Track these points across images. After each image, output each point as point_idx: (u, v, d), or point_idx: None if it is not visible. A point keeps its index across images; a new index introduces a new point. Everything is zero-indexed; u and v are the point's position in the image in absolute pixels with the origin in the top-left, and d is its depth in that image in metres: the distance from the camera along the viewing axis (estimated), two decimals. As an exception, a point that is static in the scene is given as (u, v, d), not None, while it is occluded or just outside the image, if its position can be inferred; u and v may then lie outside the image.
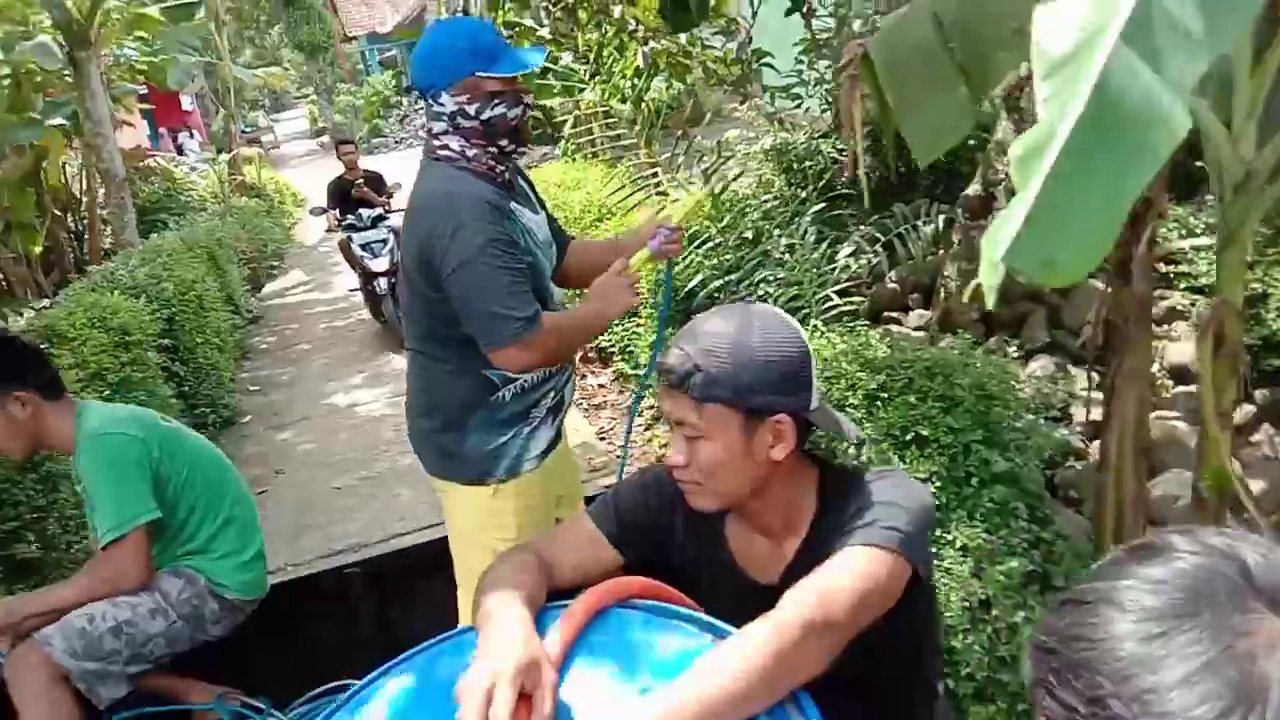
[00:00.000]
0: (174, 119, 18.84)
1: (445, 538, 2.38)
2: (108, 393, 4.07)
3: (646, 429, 4.76)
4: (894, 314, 4.76)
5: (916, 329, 4.49)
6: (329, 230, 7.95)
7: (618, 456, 4.51)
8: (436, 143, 2.04)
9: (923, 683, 1.46)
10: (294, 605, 2.69)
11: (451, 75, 1.98)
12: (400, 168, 15.94)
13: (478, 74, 1.97)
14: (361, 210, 7.35)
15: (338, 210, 7.57)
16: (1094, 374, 2.75)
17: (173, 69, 9.46)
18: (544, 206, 2.27)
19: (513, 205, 2.06)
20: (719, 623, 1.18)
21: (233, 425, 6.01)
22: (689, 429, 1.31)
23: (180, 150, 16.49)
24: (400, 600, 2.74)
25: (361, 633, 2.74)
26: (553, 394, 2.21)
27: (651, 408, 4.81)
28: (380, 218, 7.31)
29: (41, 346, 2.62)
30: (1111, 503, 2.42)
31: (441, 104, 2.00)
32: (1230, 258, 1.92)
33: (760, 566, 1.41)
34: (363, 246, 7.11)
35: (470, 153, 2.02)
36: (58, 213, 9.05)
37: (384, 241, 7.07)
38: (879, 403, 2.66)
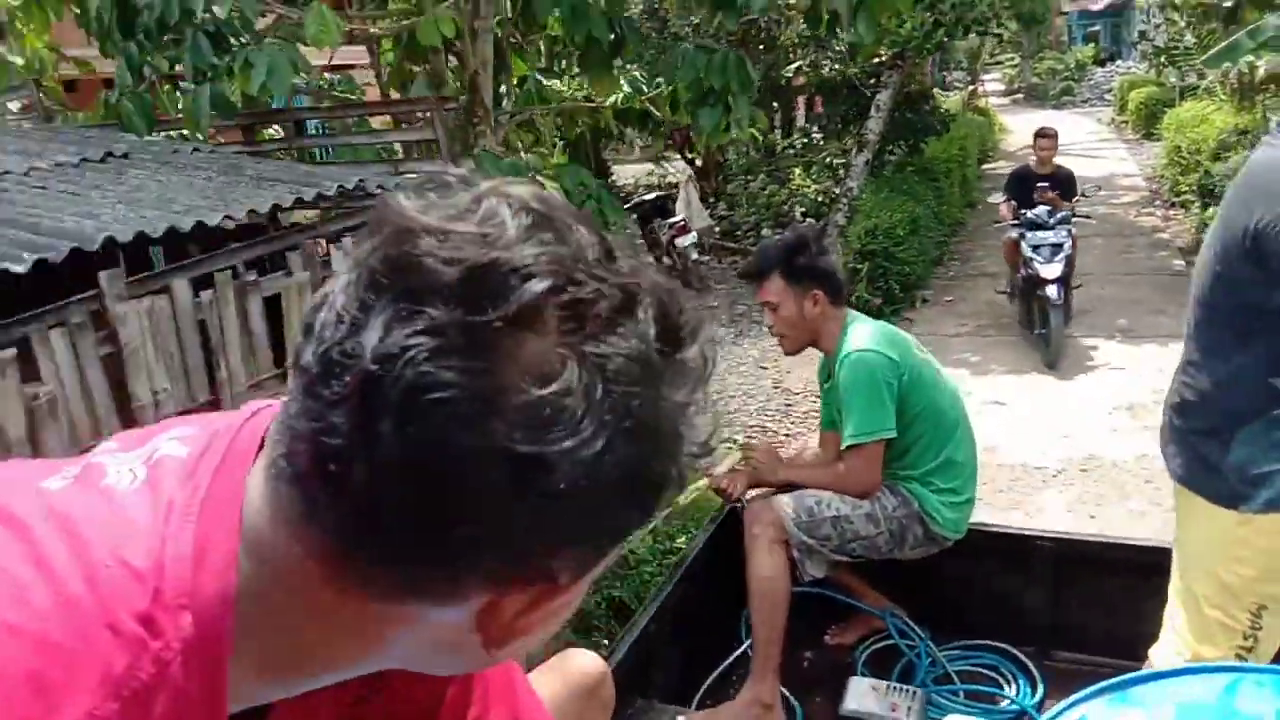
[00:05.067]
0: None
1: (1153, 547, 2.41)
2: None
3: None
4: None
5: None
6: (1000, 222, 7.28)
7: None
8: None
9: None
10: (974, 554, 2.71)
11: None
12: (1077, 125, 20.89)
13: None
14: (1042, 207, 6.72)
15: (1016, 200, 7.01)
16: None
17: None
18: None
19: None
20: None
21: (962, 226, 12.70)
22: None
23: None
24: (1076, 589, 2.69)
25: (1026, 604, 2.75)
26: None
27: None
28: (1065, 218, 6.65)
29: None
30: None
31: None
32: None
33: None
34: (1034, 248, 6.52)
35: None
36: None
37: (1059, 246, 6.48)
38: None
